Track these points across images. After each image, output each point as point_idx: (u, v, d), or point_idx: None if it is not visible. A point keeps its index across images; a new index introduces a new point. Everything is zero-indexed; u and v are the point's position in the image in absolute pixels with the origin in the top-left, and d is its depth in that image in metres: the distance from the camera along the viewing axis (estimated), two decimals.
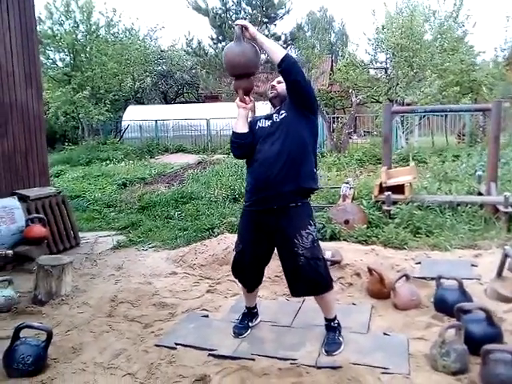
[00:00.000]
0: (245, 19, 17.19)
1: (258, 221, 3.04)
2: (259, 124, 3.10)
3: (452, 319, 3.13)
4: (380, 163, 8.77)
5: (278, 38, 17.42)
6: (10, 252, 4.71)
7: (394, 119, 13.39)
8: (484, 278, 4.08)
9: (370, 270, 3.91)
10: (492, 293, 3.69)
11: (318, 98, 2.87)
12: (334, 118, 18.03)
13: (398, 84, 17.89)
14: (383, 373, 2.72)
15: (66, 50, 19.32)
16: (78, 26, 19.33)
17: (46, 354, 2.95)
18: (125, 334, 3.39)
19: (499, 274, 3.74)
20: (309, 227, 2.94)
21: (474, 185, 7.29)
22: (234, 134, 3.10)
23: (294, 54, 17.54)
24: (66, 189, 9.52)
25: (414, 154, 11.96)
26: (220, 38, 17.44)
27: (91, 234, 6.69)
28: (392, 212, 6.08)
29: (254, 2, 17.06)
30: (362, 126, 22.04)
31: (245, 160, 3.17)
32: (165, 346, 3.14)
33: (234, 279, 3.95)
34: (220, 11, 17.09)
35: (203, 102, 24.63)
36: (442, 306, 3.43)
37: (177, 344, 3.15)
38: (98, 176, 11.67)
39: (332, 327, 3.10)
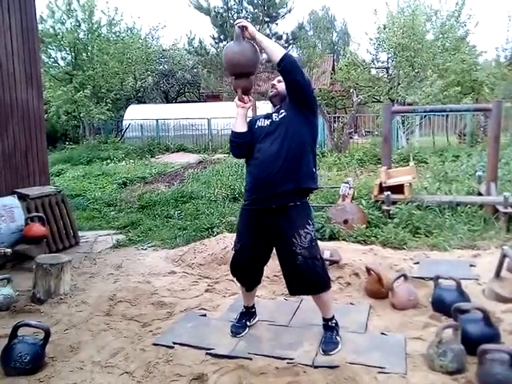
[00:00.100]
0: (246, 18, 17.21)
1: (257, 220, 3.04)
2: (258, 123, 3.11)
3: (450, 319, 3.13)
4: (380, 163, 8.77)
5: (279, 38, 17.42)
6: (9, 250, 4.72)
7: (394, 119, 13.44)
8: (482, 278, 4.08)
9: (368, 270, 3.91)
10: (490, 293, 3.69)
11: (319, 98, 2.88)
12: (335, 117, 18.02)
13: (399, 84, 17.90)
14: (380, 372, 2.72)
15: (67, 49, 19.36)
16: (79, 24, 19.36)
17: (44, 353, 2.96)
18: (123, 332, 3.40)
19: (497, 274, 3.73)
20: (307, 227, 2.95)
21: (474, 185, 7.29)
22: (233, 133, 3.12)
23: (295, 53, 17.55)
24: (67, 188, 9.54)
25: (414, 153, 11.96)
26: (221, 37, 17.43)
27: (91, 233, 6.71)
28: (391, 212, 6.08)
29: (255, 1, 17.04)
30: (363, 125, 22.02)
31: (244, 159, 3.18)
32: (162, 345, 3.14)
33: (233, 278, 3.97)
34: (221, 10, 17.09)
35: (204, 102, 24.64)
36: (440, 306, 3.43)
37: (174, 343, 3.16)
38: (99, 175, 11.70)
39: (329, 327, 3.10)
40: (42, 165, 6.16)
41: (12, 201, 5.26)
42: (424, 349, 2.88)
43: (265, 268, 3.31)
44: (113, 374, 2.85)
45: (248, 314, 3.40)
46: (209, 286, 4.30)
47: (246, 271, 3.21)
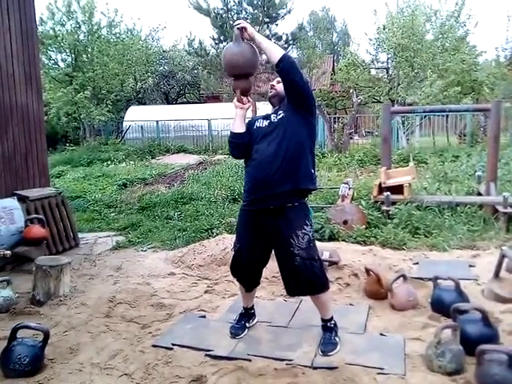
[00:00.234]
0: (246, 19, 17.21)
1: (256, 220, 3.05)
2: (257, 124, 3.12)
3: (449, 320, 3.12)
4: (380, 163, 8.77)
5: (279, 38, 17.44)
6: (9, 252, 4.72)
7: (394, 119, 13.45)
8: (482, 278, 4.07)
9: (367, 271, 3.91)
10: (489, 293, 3.69)
11: (319, 99, 2.89)
12: (335, 118, 18.02)
13: (399, 84, 17.91)
14: (379, 373, 2.72)
15: (67, 51, 19.40)
16: (79, 26, 19.40)
17: (43, 355, 2.97)
18: (122, 334, 3.40)
19: (496, 274, 3.73)
20: (305, 227, 2.95)
21: (474, 185, 7.29)
22: (232, 133, 3.13)
23: (295, 54, 17.56)
24: (67, 189, 9.55)
25: (414, 154, 11.95)
26: (221, 38, 17.44)
27: (91, 234, 6.71)
28: (391, 212, 6.08)
29: (255, 2, 17.05)
30: (363, 126, 22.02)
31: (243, 160, 3.19)
32: (162, 347, 3.14)
33: (232, 280, 3.99)
34: (221, 11, 17.10)
35: (204, 103, 24.65)
36: (439, 307, 3.43)
37: (174, 344, 3.16)
38: (99, 176, 11.70)
39: (328, 327, 3.10)
40: (42, 166, 6.16)
41: (12, 203, 5.27)
42: (423, 349, 2.89)
43: (264, 269, 3.31)
44: (112, 375, 2.86)
45: (247, 315, 3.40)
46: (208, 287, 4.30)
47: (246, 272, 3.22)
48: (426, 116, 15.91)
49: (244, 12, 17.40)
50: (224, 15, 17.04)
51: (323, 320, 3.12)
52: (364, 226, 5.74)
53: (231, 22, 16.44)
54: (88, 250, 5.87)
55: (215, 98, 22.38)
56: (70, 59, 19.66)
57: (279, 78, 3.07)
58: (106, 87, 20.03)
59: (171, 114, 20.13)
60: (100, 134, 21.73)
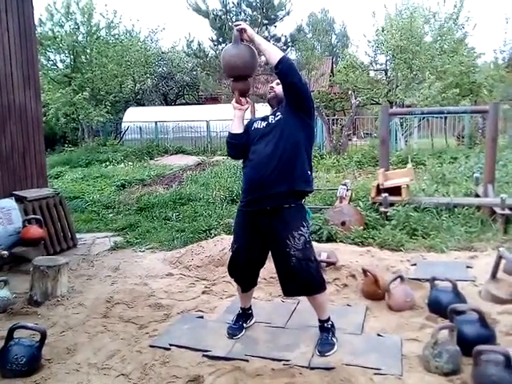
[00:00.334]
0: (245, 21, 17.24)
1: (253, 221, 3.06)
2: (255, 125, 3.14)
3: (446, 320, 3.14)
4: (379, 165, 8.78)
5: (278, 40, 17.45)
6: (6, 253, 4.72)
7: (392, 121, 13.48)
8: (479, 279, 4.08)
9: (364, 272, 3.92)
10: (486, 294, 3.70)
11: (317, 100, 2.90)
12: (333, 119, 18.04)
13: (397, 86, 17.93)
14: (376, 374, 2.73)
15: (66, 52, 19.38)
16: (78, 27, 19.39)
17: (40, 355, 2.97)
18: (119, 334, 3.40)
19: (494, 275, 3.74)
20: (301, 228, 2.96)
21: (472, 187, 7.31)
22: (230, 134, 3.16)
23: (293, 55, 17.59)
24: (65, 190, 9.54)
25: (412, 155, 11.97)
26: (220, 39, 17.45)
27: (89, 235, 6.70)
28: (389, 214, 6.08)
29: (254, 4, 17.08)
30: (361, 127, 22.04)
31: (242, 161, 3.20)
32: (159, 347, 3.14)
33: (230, 280, 4.00)
34: (220, 13, 17.11)
35: (203, 104, 24.67)
36: (436, 308, 3.43)
37: (171, 345, 3.16)
38: (97, 177, 11.68)
39: (325, 328, 3.11)
40: (40, 167, 6.16)
41: (9, 203, 5.27)
42: (420, 350, 2.89)
43: (262, 270, 3.32)
44: (109, 375, 2.86)
45: (245, 315, 3.40)
46: (206, 287, 4.30)
47: (243, 272, 3.22)
48: (424, 118, 15.94)
49: (243, 14, 17.42)
50: (223, 17, 17.05)
51: (320, 321, 3.13)
52: (362, 228, 5.75)
53: (230, 24, 16.46)
54: (86, 251, 5.87)
55: (214, 100, 22.41)
56: (68, 60, 19.65)
57: (278, 80, 3.08)
58: (104, 88, 20.01)
59: (170, 115, 20.14)
60: (98, 135, 21.73)
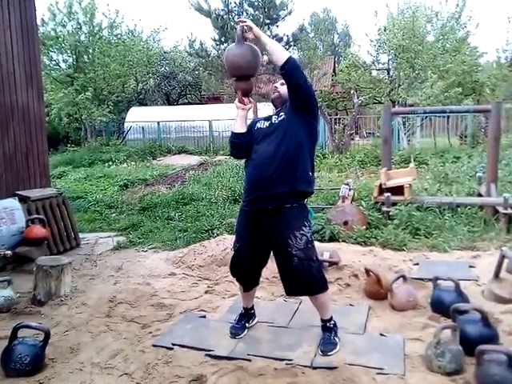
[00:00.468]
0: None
1: (255, 221, 3.06)
2: (258, 125, 3.14)
3: (449, 320, 3.13)
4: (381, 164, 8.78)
5: (280, 40, 17.45)
6: (9, 252, 4.74)
7: (395, 120, 13.46)
8: (482, 279, 4.08)
9: (367, 271, 3.91)
10: (489, 294, 3.69)
11: (320, 99, 2.91)
12: (336, 119, 18.04)
13: (400, 85, 17.93)
14: (378, 373, 2.73)
15: (68, 52, 19.44)
16: (80, 27, 19.44)
17: (44, 354, 2.98)
18: (122, 334, 3.41)
19: (496, 275, 3.73)
20: (303, 228, 2.95)
21: (475, 186, 7.29)
22: (233, 133, 3.16)
23: (296, 55, 17.59)
24: (68, 190, 9.57)
25: (415, 155, 11.95)
26: (222, 39, 17.50)
27: (92, 235, 6.72)
28: (391, 213, 6.08)
29: (255, 4, 17.11)
30: (364, 127, 22.03)
31: (244, 160, 3.20)
32: (162, 347, 3.15)
33: (232, 280, 4.00)
34: (222, 12, 17.15)
35: (205, 104, 24.68)
36: (439, 307, 3.43)
37: (174, 344, 3.16)
38: (100, 177, 11.72)
39: (328, 328, 3.11)
40: (43, 167, 6.18)
41: (13, 203, 5.28)
42: (423, 350, 2.89)
43: (264, 269, 3.32)
44: (112, 375, 2.87)
45: (247, 315, 3.41)
46: (208, 287, 4.31)
47: (245, 272, 3.23)
48: (426, 117, 15.91)
49: (245, 13, 17.45)
50: (225, 16, 17.09)
51: (323, 320, 3.13)
52: (364, 227, 5.74)
53: (232, 24, 16.50)
54: (89, 251, 5.88)
55: (216, 99, 22.44)
56: (71, 60, 19.70)
57: (282, 80, 3.09)
58: (107, 88, 20.06)
59: (172, 114, 20.16)
60: (101, 135, 21.78)
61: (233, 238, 4.26)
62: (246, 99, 3.13)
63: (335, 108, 24.46)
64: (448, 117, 16.37)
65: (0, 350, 2.95)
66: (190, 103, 26.68)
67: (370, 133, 20.82)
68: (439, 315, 3.39)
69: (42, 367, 2.92)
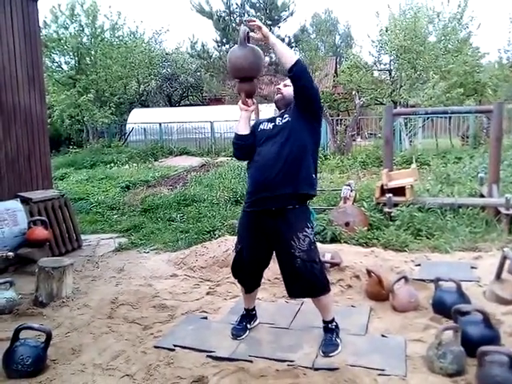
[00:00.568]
0: (248, 22, 17.23)
1: (257, 222, 3.06)
2: (261, 126, 3.14)
3: (450, 321, 3.13)
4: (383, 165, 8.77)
5: (281, 41, 17.43)
6: (11, 254, 4.75)
7: (396, 121, 13.44)
8: (483, 280, 4.07)
9: (368, 272, 3.91)
10: (491, 295, 3.69)
11: (321, 101, 2.90)
12: (337, 120, 18.04)
13: (401, 86, 17.91)
14: (380, 374, 2.72)
15: (70, 54, 19.49)
16: (83, 29, 19.49)
17: (46, 355, 2.98)
18: (124, 335, 3.41)
19: (498, 276, 3.73)
20: (306, 230, 2.95)
21: (476, 187, 7.28)
22: (236, 135, 3.16)
23: (297, 56, 17.59)
24: (70, 191, 9.59)
25: (417, 156, 11.94)
26: (224, 40, 17.51)
27: (94, 236, 6.74)
28: (393, 214, 6.08)
29: (257, 5, 17.12)
30: (366, 128, 22.03)
31: (247, 162, 3.20)
32: (163, 348, 3.15)
33: (234, 281, 4.00)
34: (224, 14, 17.17)
35: (207, 105, 24.70)
36: (441, 308, 3.43)
37: (175, 346, 3.17)
38: (102, 179, 11.73)
39: (329, 329, 3.11)
40: (45, 168, 6.19)
41: (15, 204, 5.30)
42: (424, 351, 2.89)
43: (265, 270, 3.32)
44: (114, 376, 2.87)
45: (249, 316, 3.41)
46: (210, 288, 4.32)
47: (247, 273, 3.23)
48: (428, 118, 15.90)
49: (246, 15, 17.46)
50: (226, 18, 17.11)
51: (324, 321, 3.13)
52: (366, 228, 5.74)
53: (234, 25, 16.52)
54: (91, 252, 5.90)
55: (218, 101, 22.47)
56: (73, 62, 19.75)
57: (285, 82, 3.10)
58: (109, 90, 20.11)
59: (174, 116, 20.17)
60: (103, 137, 21.82)
61: (234, 239, 4.26)
62: (249, 101, 3.13)
63: (337, 109, 24.45)
64: (450, 117, 16.36)
65: (2, 351, 2.96)
66: (191, 105, 26.71)
67: (371, 134, 20.82)
68: (441, 316, 3.39)
69: (44, 368, 2.93)
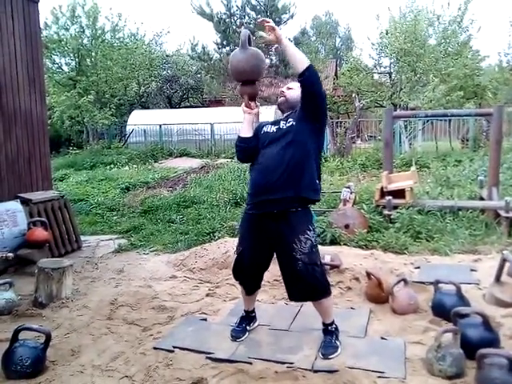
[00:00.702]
0: (249, 24, 17.28)
1: (258, 224, 3.06)
2: (265, 129, 3.14)
3: (450, 324, 3.13)
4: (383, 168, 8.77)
5: None
6: (11, 255, 4.75)
7: (396, 124, 13.47)
8: (483, 282, 4.07)
9: (368, 275, 3.91)
10: (490, 298, 3.69)
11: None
12: (337, 122, 18.05)
13: (401, 89, 17.94)
14: (379, 377, 2.72)
15: (71, 55, 19.53)
16: (83, 30, 19.52)
17: (45, 356, 2.98)
18: (123, 336, 3.41)
19: (498, 278, 3.73)
20: (308, 232, 2.95)
21: (476, 190, 7.29)
22: (239, 137, 3.16)
23: None
24: (70, 193, 9.58)
25: (416, 158, 11.95)
26: (224, 42, 17.54)
27: (93, 237, 6.74)
28: (392, 217, 6.08)
29: (258, 7, 17.16)
30: (366, 130, 22.04)
31: (249, 164, 3.21)
32: (163, 349, 3.15)
33: (233, 283, 4.01)
34: (224, 16, 17.20)
35: (207, 107, 24.72)
36: (440, 311, 3.43)
37: (175, 347, 3.17)
38: (102, 180, 11.73)
39: (329, 331, 3.10)
40: (45, 170, 6.20)
41: (15, 205, 5.30)
42: (423, 353, 2.88)
43: (265, 273, 3.32)
44: (113, 377, 2.87)
45: (248, 318, 3.41)
46: (209, 290, 4.31)
47: (248, 275, 3.23)
48: (428, 120, 15.90)
49: (247, 17, 17.50)
50: (227, 20, 17.14)
51: (324, 324, 3.13)
52: (366, 230, 5.74)
53: (234, 27, 16.56)
54: (90, 253, 5.89)
55: (218, 102, 22.49)
56: (73, 63, 19.79)
57: (289, 84, 3.09)
58: (109, 91, 20.12)
59: (174, 118, 20.17)
60: (103, 138, 21.82)
61: (234, 241, 4.27)
62: (252, 103, 3.13)
63: (337, 111, 24.51)
64: (450, 120, 16.37)
65: (1, 352, 2.96)
66: (191, 106, 26.73)
67: (371, 136, 20.83)
68: (440, 319, 3.39)
69: (43, 369, 2.93)
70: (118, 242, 6.36)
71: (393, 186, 6.47)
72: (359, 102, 16.08)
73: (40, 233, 5.24)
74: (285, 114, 3.14)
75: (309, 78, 2.85)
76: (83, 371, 2.93)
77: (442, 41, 18.25)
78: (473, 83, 17.30)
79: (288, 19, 17.36)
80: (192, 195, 8.70)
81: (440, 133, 17.36)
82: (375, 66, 21.33)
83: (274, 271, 3.81)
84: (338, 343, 3.05)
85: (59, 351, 3.16)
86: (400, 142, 15.89)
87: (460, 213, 6.11)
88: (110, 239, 6.55)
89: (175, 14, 68.54)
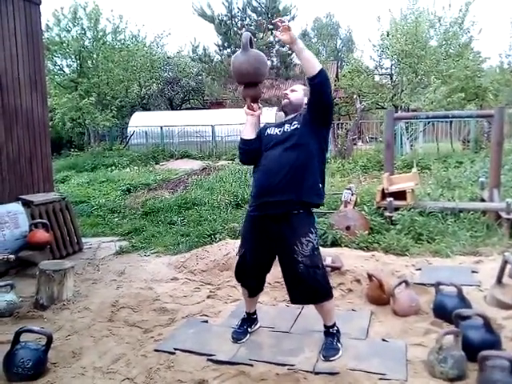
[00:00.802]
0: (250, 26, 17.32)
1: (261, 226, 3.06)
2: (268, 131, 3.14)
3: (451, 325, 3.12)
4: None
5: (283, 45, 17.49)
6: (12, 256, 4.75)
7: (397, 125, 13.46)
8: (484, 284, 4.06)
9: (369, 276, 3.91)
10: (492, 299, 3.68)
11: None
12: (338, 124, 18.06)
13: (402, 90, 17.95)
14: (380, 379, 2.72)
15: (72, 57, 19.56)
16: (85, 32, 19.56)
17: (46, 358, 2.98)
18: (125, 338, 3.41)
19: (499, 280, 3.73)
20: (309, 235, 2.95)
21: (477, 191, 7.28)
22: (241, 140, 3.16)
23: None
24: (71, 194, 9.59)
25: (418, 160, 11.95)
26: (225, 44, 17.60)
27: (94, 239, 6.74)
28: (394, 218, 6.07)
29: (259, 9, 17.20)
30: (367, 132, 22.05)
31: (252, 166, 3.21)
32: (164, 351, 3.15)
33: (235, 285, 4.02)
34: (225, 18, 17.26)
35: (208, 109, 24.75)
36: (441, 313, 3.42)
37: (176, 349, 3.16)
38: (103, 182, 11.74)
39: (330, 333, 3.10)
40: (47, 171, 6.20)
41: (16, 207, 5.30)
42: (425, 355, 2.88)
43: (267, 275, 3.32)
44: (114, 379, 2.87)
45: (249, 320, 3.41)
46: (211, 292, 4.31)
47: (250, 277, 3.23)
48: (429, 122, 15.91)
49: (248, 19, 17.54)
50: (228, 22, 17.19)
51: (326, 326, 3.12)
52: (367, 232, 5.74)
53: (235, 29, 16.59)
54: (91, 255, 5.89)
55: (219, 104, 22.53)
56: (75, 65, 19.83)
57: (293, 87, 3.09)
58: (110, 93, 20.15)
59: (175, 119, 20.21)
60: (104, 140, 21.85)
61: (235, 242, 4.27)
62: (255, 105, 3.12)
63: (338, 113, 24.51)
64: (451, 122, 16.37)
65: (2, 354, 2.95)
66: (192, 108, 26.75)
67: (372, 138, 20.84)
68: (441, 321, 3.38)
69: (45, 372, 2.92)
70: (119, 243, 6.36)
71: (394, 188, 6.47)
72: (360, 103, 16.09)
73: (41, 235, 5.24)
74: (288, 117, 3.13)
75: (320, 83, 2.83)
76: (84, 373, 2.93)
77: (443, 42, 18.26)
78: (474, 85, 17.29)
79: (289, 21, 17.34)
80: (193, 197, 8.70)
81: (441, 134, 17.36)
82: (376, 68, 21.36)
83: (275, 273, 3.80)
84: (339, 345, 3.04)
85: (60, 353, 3.16)
86: (401, 143, 15.89)
87: (461, 214, 6.10)
88: (112, 241, 6.55)
89: (176, 16, 68.65)
